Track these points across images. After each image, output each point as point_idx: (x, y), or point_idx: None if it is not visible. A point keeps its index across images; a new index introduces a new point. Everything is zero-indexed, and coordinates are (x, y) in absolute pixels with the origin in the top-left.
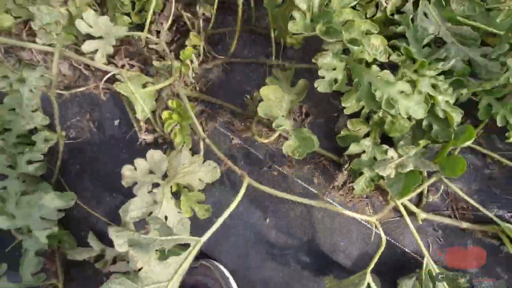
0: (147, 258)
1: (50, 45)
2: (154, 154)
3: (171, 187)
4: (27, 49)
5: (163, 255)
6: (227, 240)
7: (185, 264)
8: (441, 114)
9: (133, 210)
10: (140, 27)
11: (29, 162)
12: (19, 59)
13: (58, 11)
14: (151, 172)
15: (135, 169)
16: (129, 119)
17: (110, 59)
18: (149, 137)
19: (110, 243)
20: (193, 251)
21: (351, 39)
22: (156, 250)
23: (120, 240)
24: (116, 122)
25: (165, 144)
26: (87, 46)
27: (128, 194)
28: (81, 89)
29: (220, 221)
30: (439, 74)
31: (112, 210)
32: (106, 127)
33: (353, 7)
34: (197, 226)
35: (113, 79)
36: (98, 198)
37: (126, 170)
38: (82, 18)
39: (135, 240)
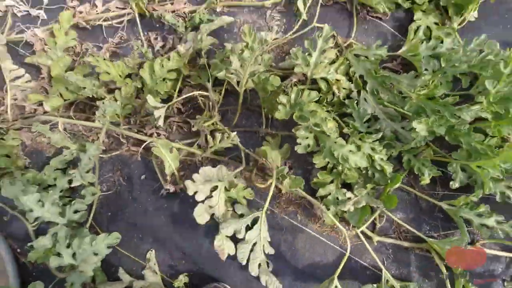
0: (242, 230)
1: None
2: (206, 170)
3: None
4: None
5: (250, 227)
6: (233, 265)
7: (263, 226)
8: (378, 167)
9: (201, 213)
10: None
11: (76, 211)
12: (63, 128)
13: (117, 104)
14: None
15: (194, 181)
16: (154, 174)
17: (139, 129)
18: (172, 188)
19: (135, 278)
20: (263, 218)
21: (315, 123)
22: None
23: (227, 227)
24: (143, 177)
25: (182, 193)
26: (157, 114)
27: (152, 236)
28: (116, 152)
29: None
30: (375, 141)
31: (138, 251)
32: (133, 181)
33: (316, 101)
34: None
35: (140, 144)
36: (126, 240)
37: (189, 184)
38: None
39: (235, 225)
